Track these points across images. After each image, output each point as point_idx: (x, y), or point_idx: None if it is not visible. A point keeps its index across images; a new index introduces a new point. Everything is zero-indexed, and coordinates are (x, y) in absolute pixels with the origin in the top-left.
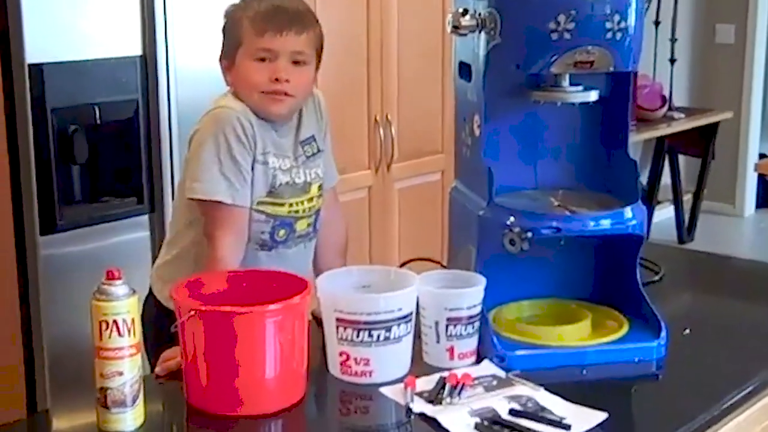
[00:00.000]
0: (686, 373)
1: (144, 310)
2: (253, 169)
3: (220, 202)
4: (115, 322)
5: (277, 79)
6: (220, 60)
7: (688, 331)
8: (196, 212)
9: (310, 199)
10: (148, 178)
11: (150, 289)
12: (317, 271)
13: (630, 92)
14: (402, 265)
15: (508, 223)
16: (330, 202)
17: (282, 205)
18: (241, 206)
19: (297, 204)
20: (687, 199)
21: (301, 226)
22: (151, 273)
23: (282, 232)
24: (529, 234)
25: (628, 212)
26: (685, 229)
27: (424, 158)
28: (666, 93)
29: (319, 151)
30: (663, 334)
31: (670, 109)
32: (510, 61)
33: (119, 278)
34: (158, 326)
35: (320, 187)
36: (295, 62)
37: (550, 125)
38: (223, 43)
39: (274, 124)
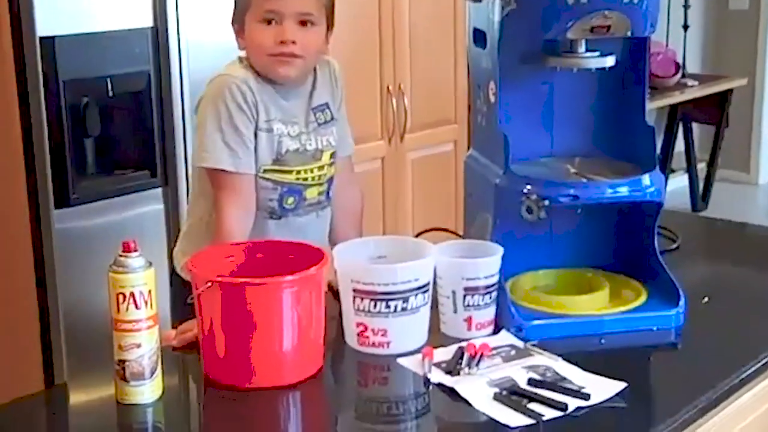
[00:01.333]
0: (705, 342)
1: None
2: (256, 136)
3: (223, 171)
4: (132, 294)
5: (283, 41)
6: (232, 24)
7: (706, 299)
8: (207, 182)
9: (321, 167)
10: (161, 151)
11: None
12: (332, 242)
13: (647, 58)
14: (418, 236)
15: (525, 191)
16: (345, 171)
17: (289, 172)
18: (244, 173)
19: (306, 171)
20: (701, 167)
21: (311, 194)
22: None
23: (291, 199)
24: (546, 202)
25: (646, 179)
26: (699, 197)
27: (437, 128)
28: (679, 60)
29: (332, 119)
30: (681, 302)
31: (683, 76)
32: (525, 26)
33: (135, 250)
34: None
35: (332, 155)
36: (302, 23)
37: (567, 92)
38: (234, 7)
39: (282, 90)
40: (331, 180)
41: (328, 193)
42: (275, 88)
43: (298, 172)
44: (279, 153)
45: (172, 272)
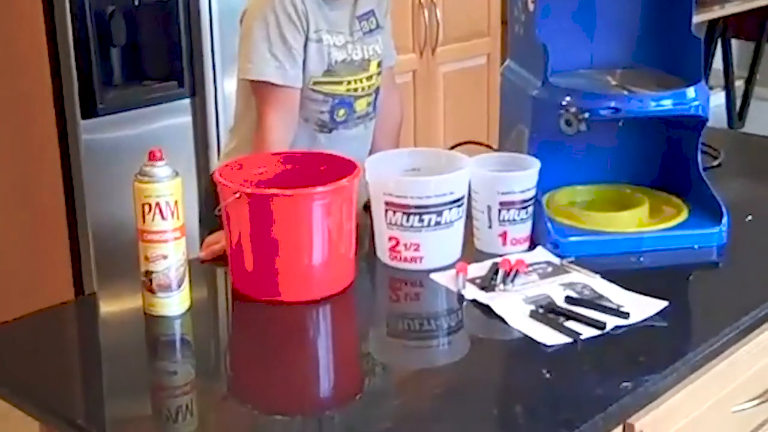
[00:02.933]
0: (748, 261)
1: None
2: (306, 47)
3: (269, 83)
4: (158, 204)
5: None
6: None
7: (750, 217)
8: (252, 95)
9: (369, 77)
10: (188, 61)
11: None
12: (370, 152)
13: None
14: (452, 148)
15: (564, 103)
16: (387, 82)
17: (340, 83)
18: (291, 87)
19: (356, 82)
20: (739, 84)
21: (360, 105)
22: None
23: (342, 111)
24: (587, 115)
25: (691, 92)
26: (736, 115)
27: (469, 41)
28: None
29: (378, 26)
30: (724, 220)
31: None
32: None
33: (161, 159)
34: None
35: (379, 65)
36: None
37: (609, 0)
38: None
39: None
40: (378, 90)
41: (374, 104)
42: None
43: (349, 82)
44: (330, 64)
45: (205, 187)
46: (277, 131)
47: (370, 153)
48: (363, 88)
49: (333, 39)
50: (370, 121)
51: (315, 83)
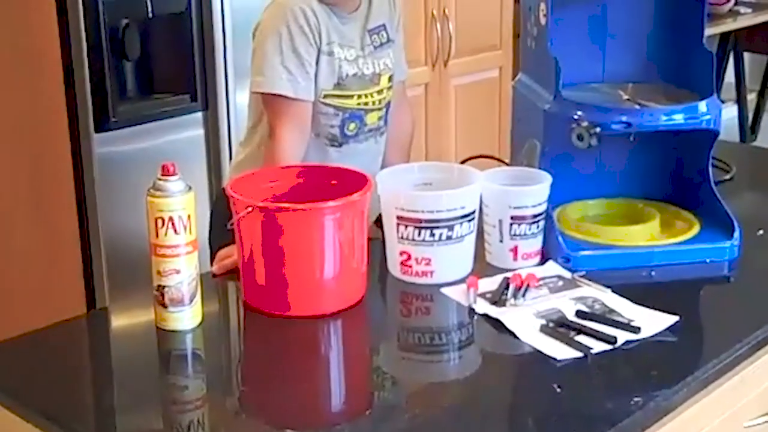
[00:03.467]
0: (760, 275)
1: (215, 211)
2: (317, 60)
3: (281, 96)
4: (171, 219)
5: None
6: None
7: (761, 231)
8: (264, 109)
9: (380, 91)
10: (201, 75)
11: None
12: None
13: None
14: (463, 162)
15: (576, 117)
16: (398, 96)
17: (350, 97)
18: (303, 100)
19: (366, 96)
20: (751, 98)
21: (371, 119)
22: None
23: (352, 125)
24: (598, 129)
25: (702, 106)
26: (748, 129)
27: (481, 54)
28: None
29: (389, 40)
30: (736, 234)
31: (736, 3)
32: None
33: (175, 173)
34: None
35: (390, 79)
36: None
37: (621, 14)
38: None
39: (339, 12)
40: (389, 104)
41: (386, 117)
42: (333, 11)
43: (359, 96)
44: (341, 77)
45: (215, 199)
46: (289, 145)
47: (382, 167)
48: (374, 102)
49: (344, 53)
50: (381, 135)
51: (326, 96)
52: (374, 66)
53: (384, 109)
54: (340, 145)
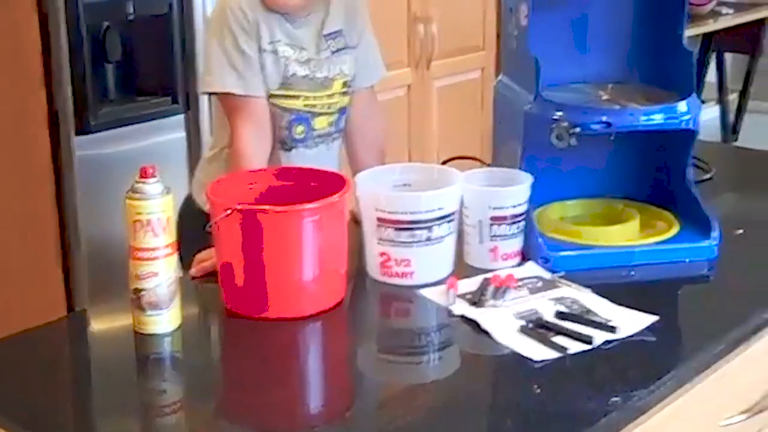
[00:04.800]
0: (739, 275)
1: (183, 214)
2: (261, 58)
3: (231, 94)
4: (149, 221)
5: None
6: None
7: (740, 231)
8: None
9: (331, 95)
10: (183, 77)
11: (190, 194)
12: (354, 170)
13: None
14: (444, 163)
15: (556, 117)
16: (367, 99)
17: (297, 97)
18: (254, 96)
19: (314, 99)
20: (732, 98)
21: (319, 123)
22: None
23: (300, 128)
24: (578, 129)
25: (682, 106)
26: (730, 129)
27: (464, 56)
28: None
29: (346, 47)
30: (715, 233)
31: (717, 3)
32: None
33: (153, 176)
34: (196, 230)
35: (345, 84)
36: None
37: (601, 15)
38: None
39: (289, 16)
40: (342, 110)
41: (338, 124)
42: (281, 14)
43: (306, 98)
44: (285, 76)
45: (184, 201)
46: (248, 141)
47: (356, 171)
48: (322, 106)
49: (295, 54)
50: (333, 141)
51: (271, 96)
52: (328, 70)
53: (336, 115)
54: (290, 150)
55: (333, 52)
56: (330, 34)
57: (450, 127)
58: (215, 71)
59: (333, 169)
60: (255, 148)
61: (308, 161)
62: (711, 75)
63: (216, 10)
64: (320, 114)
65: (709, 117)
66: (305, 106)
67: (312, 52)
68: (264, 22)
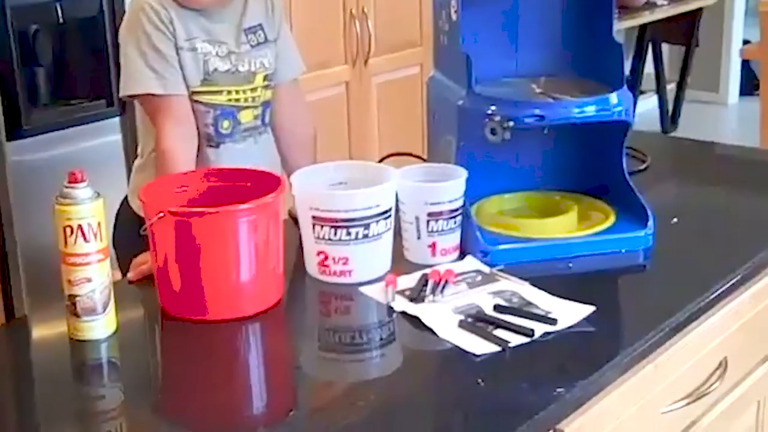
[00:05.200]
0: (674, 263)
1: (119, 218)
2: (179, 55)
3: (151, 94)
4: (80, 227)
5: None
6: None
7: (675, 220)
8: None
9: (254, 89)
10: (117, 79)
11: (125, 198)
12: (287, 170)
13: None
14: (381, 160)
15: (489, 112)
16: (292, 95)
17: (220, 92)
18: (174, 94)
19: (237, 92)
20: (670, 88)
21: (245, 117)
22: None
23: (226, 123)
24: (511, 123)
25: (613, 98)
26: (669, 119)
27: (401, 52)
28: None
29: (266, 40)
30: (650, 223)
31: None
32: None
33: (82, 180)
34: (132, 234)
35: (266, 78)
36: None
37: (532, 9)
38: None
39: (204, 12)
40: (266, 104)
41: (263, 117)
42: (196, 10)
43: (229, 92)
44: (206, 72)
45: (120, 205)
46: (173, 140)
47: (289, 170)
48: (246, 99)
49: (214, 48)
50: (260, 135)
51: (194, 93)
52: (250, 64)
53: (260, 108)
54: (217, 145)
55: (253, 46)
56: (250, 28)
57: (390, 124)
58: (134, 74)
59: (263, 164)
60: (180, 147)
61: (237, 156)
62: (649, 66)
63: (128, 13)
64: (245, 108)
65: (648, 107)
66: (228, 100)
67: (232, 45)
68: (179, 20)
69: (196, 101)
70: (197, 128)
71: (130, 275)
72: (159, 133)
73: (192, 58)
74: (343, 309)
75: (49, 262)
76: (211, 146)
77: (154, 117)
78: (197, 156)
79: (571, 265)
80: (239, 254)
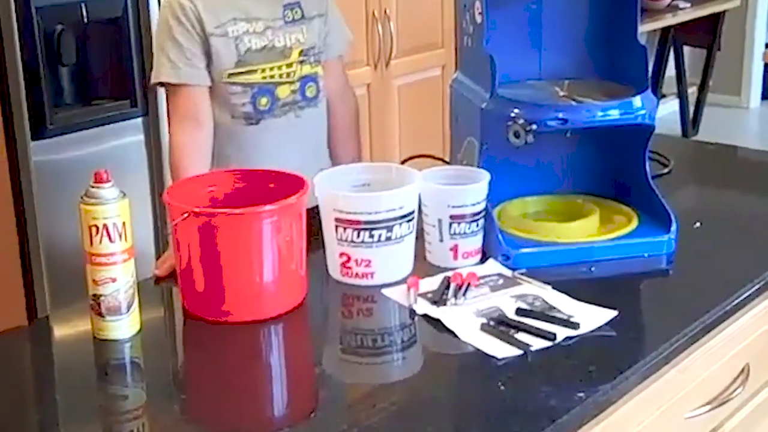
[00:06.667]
0: (697, 268)
1: None
2: (210, 44)
3: (165, 83)
4: (105, 226)
5: None
6: None
7: (698, 224)
8: None
9: (290, 65)
10: (140, 80)
11: None
12: (333, 154)
13: None
14: (403, 162)
15: (512, 115)
16: (337, 72)
17: (254, 72)
18: (187, 84)
19: (272, 69)
20: (692, 91)
21: (282, 92)
22: None
23: (264, 100)
24: (534, 126)
25: (637, 101)
26: (690, 122)
27: (423, 53)
28: None
29: (303, 17)
30: (673, 228)
31: None
32: None
33: (108, 180)
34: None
35: (302, 53)
36: None
37: (556, 11)
38: None
39: None
40: (303, 79)
41: (303, 92)
42: None
43: (263, 70)
44: (239, 54)
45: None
46: (182, 135)
47: (336, 153)
48: (281, 75)
49: (251, 26)
50: (301, 109)
51: (230, 76)
52: (286, 39)
53: (298, 84)
54: (257, 122)
55: (287, 22)
56: (288, 4)
57: (412, 126)
58: (155, 64)
59: (306, 138)
60: (190, 144)
61: (278, 130)
62: (671, 69)
63: (161, 7)
64: (282, 83)
65: (669, 111)
66: (264, 78)
67: (268, 20)
68: (205, 9)
69: (233, 83)
70: (233, 109)
71: (156, 272)
72: (170, 124)
73: (224, 43)
74: (365, 311)
75: (72, 263)
76: (251, 124)
77: (169, 107)
78: (237, 136)
79: (593, 269)
80: (262, 255)
